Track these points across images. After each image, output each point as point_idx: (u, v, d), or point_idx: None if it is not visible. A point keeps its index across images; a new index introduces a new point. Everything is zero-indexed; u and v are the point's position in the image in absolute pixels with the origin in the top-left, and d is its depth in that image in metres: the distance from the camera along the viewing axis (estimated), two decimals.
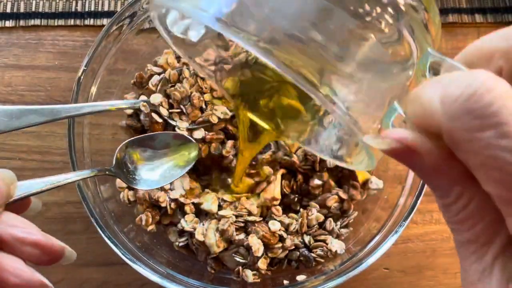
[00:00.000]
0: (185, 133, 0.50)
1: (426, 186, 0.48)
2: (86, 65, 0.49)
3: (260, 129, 0.45)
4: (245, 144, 0.46)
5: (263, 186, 0.51)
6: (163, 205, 0.49)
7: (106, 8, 0.62)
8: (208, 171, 0.54)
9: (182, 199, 0.50)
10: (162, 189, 0.50)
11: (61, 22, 0.61)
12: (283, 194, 0.51)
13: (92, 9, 0.61)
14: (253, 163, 0.52)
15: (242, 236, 0.48)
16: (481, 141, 0.21)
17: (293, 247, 0.50)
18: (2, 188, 0.34)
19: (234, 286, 0.49)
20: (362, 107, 0.27)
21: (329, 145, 0.41)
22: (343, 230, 0.52)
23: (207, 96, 0.51)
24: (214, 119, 0.50)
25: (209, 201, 0.50)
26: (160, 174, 0.47)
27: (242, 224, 0.49)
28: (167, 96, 0.51)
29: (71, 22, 0.61)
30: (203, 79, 0.50)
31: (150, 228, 0.50)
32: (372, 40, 0.26)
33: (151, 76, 0.52)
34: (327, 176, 0.52)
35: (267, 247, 0.48)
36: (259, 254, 0.47)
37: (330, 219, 0.51)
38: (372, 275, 0.57)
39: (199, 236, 0.48)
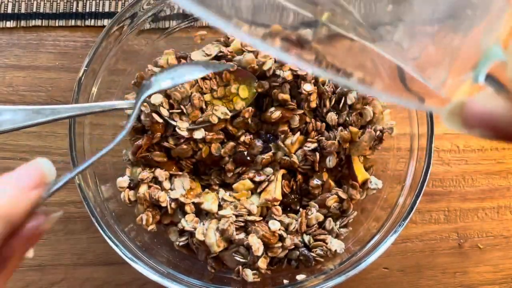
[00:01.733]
0: (185, 134, 0.50)
1: (425, 185, 0.48)
2: (87, 66, 0.49)
3: None
4: None
5: (263, 186, 0.51)
6: (163, 204, 0.49)
7: (106, 9, 0.62)
8: (208, 171, 0.54)
9: (182, 199, 0.50)
10: (162, 188, 0.50)
11: (62, 22, 0.61)
12: (283, 194, 0.52)
13: (93, 9, 0.62)
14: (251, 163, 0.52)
15: (242, 235, 0.49)
16: None
17: (293, 246, 0.50)
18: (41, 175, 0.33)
19: (234, 285, 0.49)
20: (439, 55, 0.22)
21: None
22: (343, 230, 0.52)
23: (207, 97, 0.51)
24: (214, 119, 0.50)
25: (209, 201, 0.50)
26: None
27: (242, 224, 0.49)
28: (168, 96, 0.51)
29: (72, 22, 0.61)
30: (203, 79, 0.51)
31: (150, 227, 0.50)
32: None
33: (151, 76, 0.52)
34: (327, 176, 0.52)
35: (267, 246, 0.49)
36: (259, 254, 0.47)
37: (330, 218, 0.51)
38: (372, 274, 0.58)
39: (199, 236, 0.48)
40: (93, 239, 0.56)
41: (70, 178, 0.35)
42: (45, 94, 0.60)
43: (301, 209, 0.52)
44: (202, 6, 0.22)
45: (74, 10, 0.62)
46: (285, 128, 0.52)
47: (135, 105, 0.46)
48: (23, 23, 0.61)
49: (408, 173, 0.51)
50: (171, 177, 0.51)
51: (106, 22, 0.61)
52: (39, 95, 0.59)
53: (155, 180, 0.51)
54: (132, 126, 0.44)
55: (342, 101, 0.52)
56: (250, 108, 0.51)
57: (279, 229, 0.49)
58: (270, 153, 0.52)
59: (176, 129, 0.50)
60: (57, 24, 0.61)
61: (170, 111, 0.50)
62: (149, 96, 0.51)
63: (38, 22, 0.61)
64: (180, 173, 0.52)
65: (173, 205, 0.50)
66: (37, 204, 0.33)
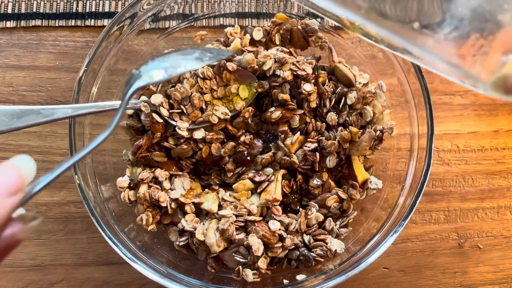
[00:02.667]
0: (185, 134, 0.50)
1: (425, 185, 0.48)
2: (87, 66, 0.49)
3: None
4: None
5: (263, 186, 0.51)
6: (163, 204, 0.49)
7: (106, 9, 0.62)
8: (208, 171, 0.54)
9: (182, 199, 0.50)
10: (162, 188, 0.50)
11: (62, 22, 0.61)
12: (283, 194, 0.52)
13: (93, 9, 0.62)
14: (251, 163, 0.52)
15: (242, 235, 0.49)
16: None
17: (293, 246, 0.50)
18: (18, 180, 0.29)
19: (234, 285, 0.49)
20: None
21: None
22: (343, 230, 0.52)
23: (207, 97, 0.51)
24: (214, 119, 0.50)
25: (209, 201, 0.50)
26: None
27: (242, 224, 0.49)
28: (168, 96, 0.51)
29: (72, 22, 0.61)
30: (203, 79, 0.51)
31: (150, 227, 0.50)
32: None
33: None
34: (327, 176, 0.52)
35: (267, 246, 0.49)
36: (259, 254, 0.47)
37: (330, 218, 0.51)
38: (372, 274, 0.58)
39: (199, 236, 0.48)
40: (93, 239, 0.56)
41: (50, 180, 0.32)
42: (45, 94, 0.60)
43: (301, 209, 0.52)
44: None
45: (74, 10, 0.62)
46: (285, 128, 0.52)
47: (122, 99, 0.41)
48: (23, 23, 0.61)
49: (408, 173, 0.51)
50: (171, 177, 0.51)
51: (106, 22, 0.61)
52: (39, 95, 0.59)
53: (155, 180, 0.51)
54: (115, 126, 0.39)
55: (342, 101, 0.52)
56: (250, 108, 0.51)
57: (279, 229, 0.49)
58: (270, 153, 0.52)
59: (176, 129, 0.50)
60: (57, 24, 0.61)
61: (170, 111, 0.50)
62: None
63: (38, 22, 0.61)
64: (180, 173, 0.52)
65: (173, 205, 0.50)
66: (14, 210, 0.30)
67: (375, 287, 0.58)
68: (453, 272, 0.58)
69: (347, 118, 0.52)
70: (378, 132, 0.51)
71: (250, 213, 0.50)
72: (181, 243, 0.51)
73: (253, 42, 0.54)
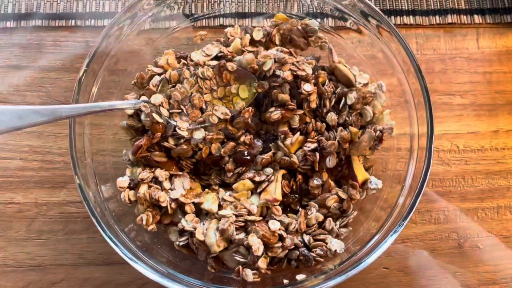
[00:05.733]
0: (185, 134, 0.50)
1: (425, 185, 0.48)
2: (87, 66, 0.49)
3: None
4: None
5: (263, 186, 0.51)
6: (163, 204, 0.49)
7: (106, 9, 0.62)
8: (208, 171, 0.54)
9: (182, 199, 0.50)
10: (162, 188, 0.50)
11: (62, 22, 0.61)
12: (283, 194, 0.52)
13: (93, 9, 0.62)
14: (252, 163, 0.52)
15: (242, 235, 0.49)
16: None
17: (293, 246, 0.50)
18: None
19: (234, 285, 0.49)
20: None
21: None
22: (343, 230, 0.52)
23: (207, 97, 0.51)
24: (214, 120, 0.50)
25: (210, 201, 0.50)
26: None
27: (242, 224, 0.49)
28: (168, 96, 0.51)
29: (72, 22, 0.61)
30: (203, 79, 0.51)
31: (150, 227, 0.50)
32: None
33: (151, 76, 0.52)
34: (327, 176, 0.52)
35: (267, 246, 0.49)
36: (259, 254, 0.47)
37: (330, 218, 0.51)
38: (372, 274, 0.58)
39: (199, 236, 0.48)
40: (93, 239, 0.56)
41: None
42: (45, 94, 0.60)
43: (301, 209, 0.52)
44: None
45: (74, 10, 0.62)
46: (285, 128, 0.52)
47: None
48: (23, 23, 0.61)
49: (408, 173, 0.51)
50: (171, 177, 0.51)
51: (106, 22, 0.61)
52: (39, 95, 0.59)
53: (155, 180, 0.51)
54: None
55: (342, 101, 0.52)
56: (250, 108, 0.51)
57: (279, 229, 0.49)
58: (270, 153, 0.52)
59: (176, 129, 0.50)
60: (57, 24, 0.61)
61: (170, 111, 0.50)
62: (149, 96, 0.51)
63: (38, 22, 0.61)
64: (180, 173, 0.52)
65: (173, 205, 0.50)
66: None
67: (375, 287, 0.58)
68: (452, 272, 0.58)
69: (347, 118, 0.52)
70: (378, 132, 0.51)
71: (250, 213, 0.50)
72: (181, 243, 0.50)
73: (253, 42, 0.54)
